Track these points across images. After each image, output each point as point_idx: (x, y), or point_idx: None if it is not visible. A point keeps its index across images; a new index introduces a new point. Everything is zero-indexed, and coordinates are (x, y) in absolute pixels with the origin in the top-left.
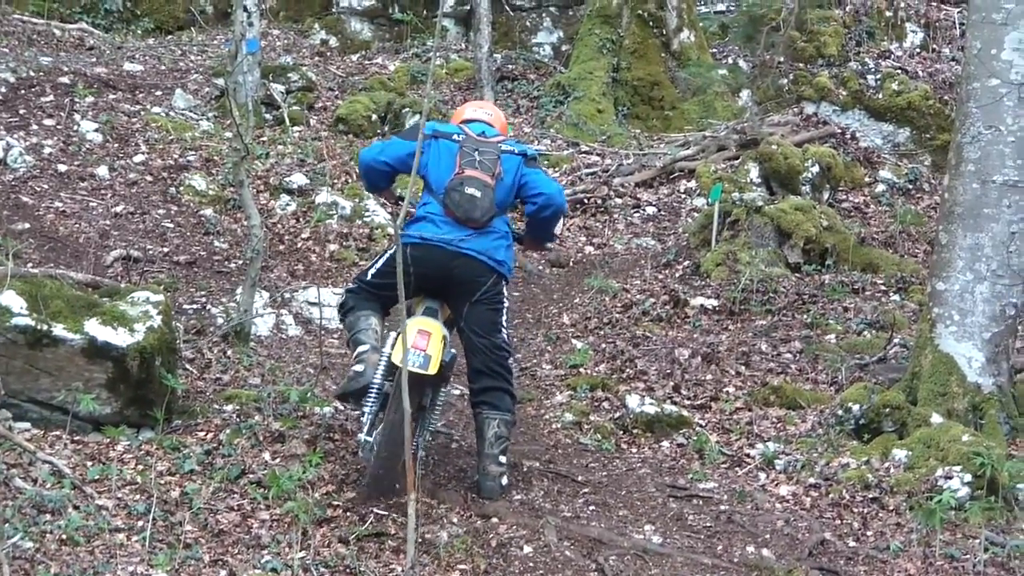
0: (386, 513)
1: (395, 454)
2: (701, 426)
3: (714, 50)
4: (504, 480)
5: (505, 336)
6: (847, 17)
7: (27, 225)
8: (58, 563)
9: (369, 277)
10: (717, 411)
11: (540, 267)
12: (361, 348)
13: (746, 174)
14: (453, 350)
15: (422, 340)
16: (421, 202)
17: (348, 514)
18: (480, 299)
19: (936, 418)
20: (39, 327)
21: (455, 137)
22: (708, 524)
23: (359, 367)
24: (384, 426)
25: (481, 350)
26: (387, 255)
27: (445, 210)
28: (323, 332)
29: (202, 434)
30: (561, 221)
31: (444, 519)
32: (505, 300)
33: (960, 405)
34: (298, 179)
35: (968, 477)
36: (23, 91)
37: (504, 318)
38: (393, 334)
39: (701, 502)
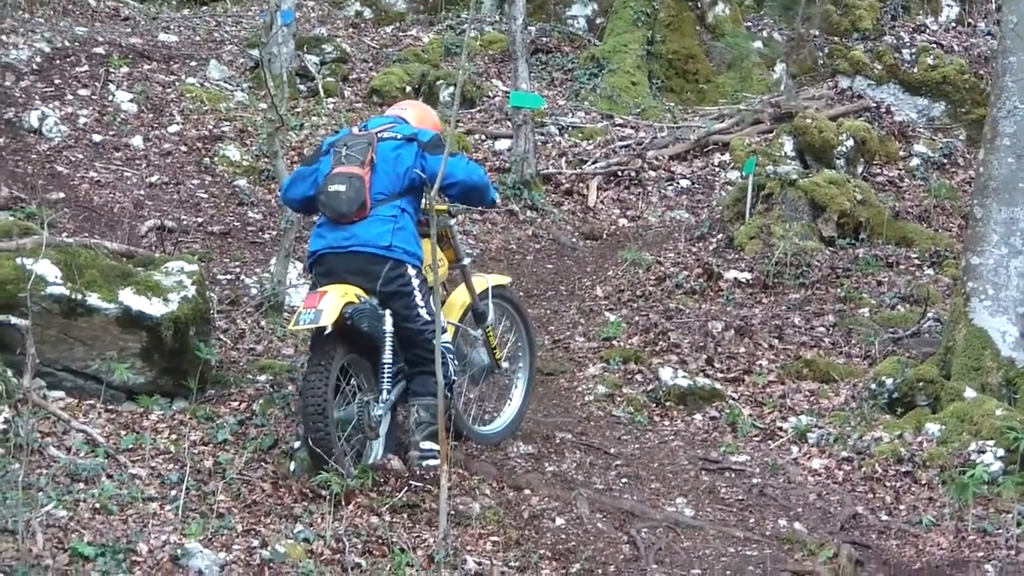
0: (420, 485)
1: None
2: (734, 399)
3: (748, 23)
4: (429, 462)
5: (425, 316)
6: None
7: (62, 195)
8: (91, 531)
9: None
10: (750, 384)
11: (574, 240)
12: None
13: (780, 147)
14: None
15: (314, 299)
16: None
17: (382, 485)
18: (384, 289)
19: (969, 392)
20: (74, 296)
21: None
22: (740, 497)
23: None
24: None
25: (404, 339)
26: None
27: (324, 216)
28: None
29: (235, 404)
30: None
31: (476, 491)
32: (412, 281)
33: (994, 379)
34: None
35: (1001, 451)
36: (58, 61)
37: (417, 299)
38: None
39: (733, 475)
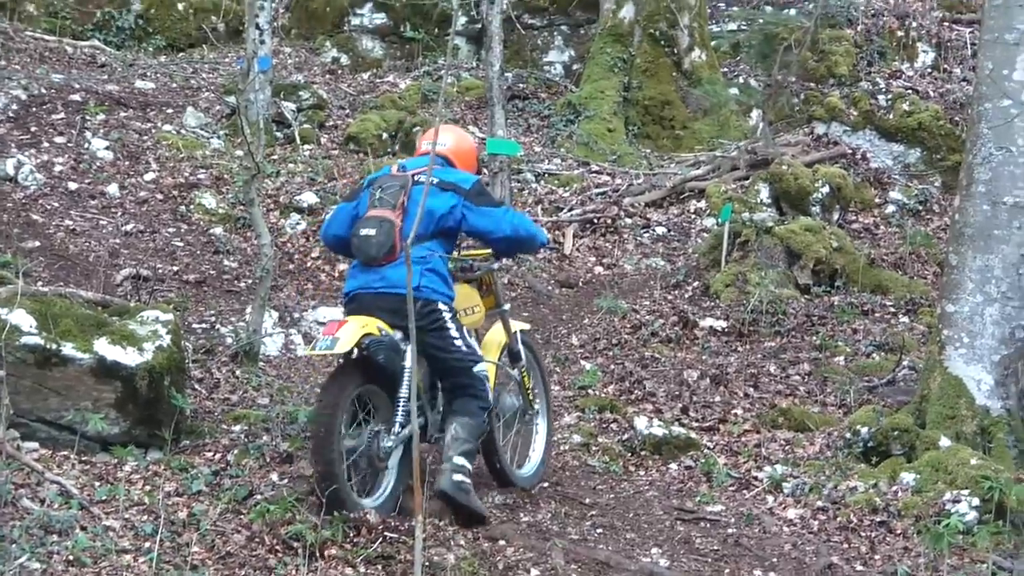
0: (395, 536)
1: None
2: (709, 448)
3: (725, 69)
4: (456, 478)
5: (463, 347)
6: (858, 37)
7: (37, 243)
8: None
9: None
10: (725, 433)
11: (549, 287)
12: None
13: (756, 194)
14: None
15: (334, 327)
16: None
17: (356, 536)
18: (418, 325)
19: (944, 441)
20: (48, 346)
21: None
22: (715, 547)
23: None
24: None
25: (444, 370)
26: None
27: (356, 258)
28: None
29: (210, 454)
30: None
31: (451, 541)
32: (444, 315)
33: (969, 428)
34: (308, 198)
35: (976, 501)
36: (34, 108)
37: (452, 333)
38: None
39: (709, 525)
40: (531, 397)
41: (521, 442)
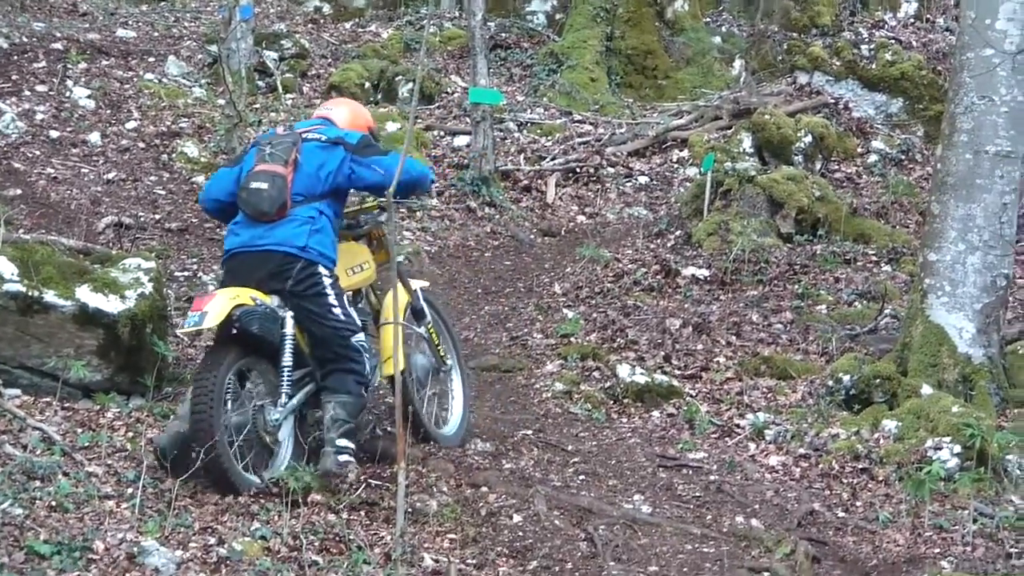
0: (378, 483)
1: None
2: (691, 396)
3: (708, 19)
4: (342, 458)
5: (340, 316)
6: None
7: (19, 191)
8: (48, 529)
9: None
10: (708, 381)
11: (531, 236)
12: None
13: (739, 144)
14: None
15: (202, 302)
16: None
17: (339, 483)
18: (294, 289)
19: (926, 389)
20: (30, 293)
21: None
22: (698, 494)
23: None
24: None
25: (319, 339)
26: None
27: (243, 213)
28: None
29: None
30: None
31: (434, 488)
32: (324, 281)
33: (950, 376)
34: None
35: (958, 448)
36: (15, 57)
37: (331, 300)
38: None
39: (691, 472)
40: (442, 354)
41: (439, 402)
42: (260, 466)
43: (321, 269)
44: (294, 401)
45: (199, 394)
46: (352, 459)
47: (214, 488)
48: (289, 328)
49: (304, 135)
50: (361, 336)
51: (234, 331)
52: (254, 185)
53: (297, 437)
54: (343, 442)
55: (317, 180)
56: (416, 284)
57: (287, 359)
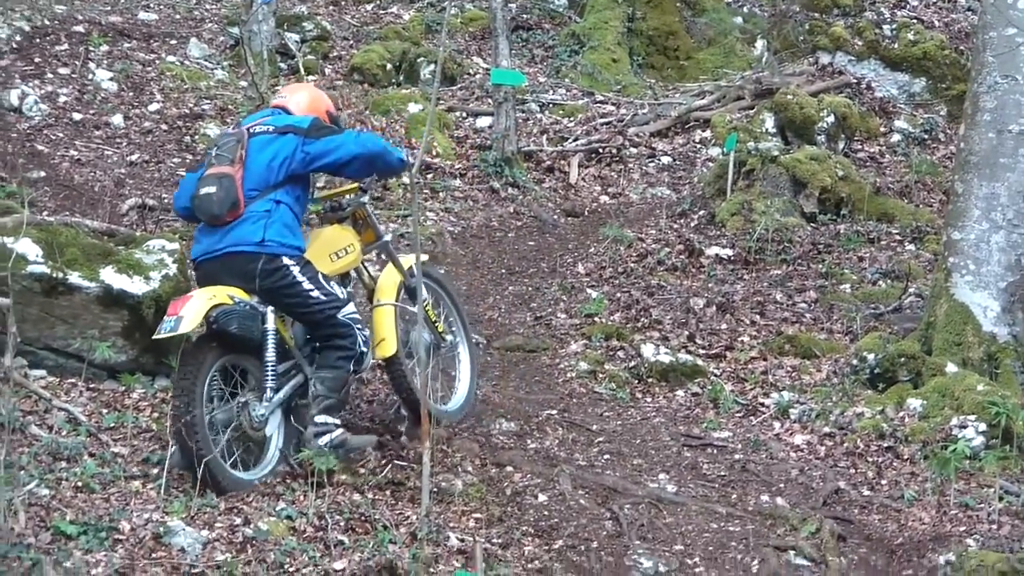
0: (403, 463)
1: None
2: (716, 375)
3: (729, 0)
4: (324, 439)
5: (321, 296)
6: None
7: (43, 173)
8: (74, 510)
9: None
10: (732, 360)
11: (555, 217)
12: None
13: (761, 124)
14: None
15: (177, 305)
16: None
17: (364, 463)
18: (263, 285)
19: (951, 367)
20: (55, 275)
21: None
22: (723, 473)
23: None
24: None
25: (309, 325)
26: None
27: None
28: None
29: None
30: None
31: (459, 468)
32: (292, 270)
33: (975, 354)
34: None
35: (983, 426)
36: (38, 40)
37: (305, 285)
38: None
39: (715, 451)
40: (441, 330)
41: (443, 376)
42: (251, 462)
43: (286, 260)
44: (280, 395)
45: (179, 396)
46: (334, 435)
47: (209, 488)
48: (271, 323)
49: (251, 129)
50: (349, 308)
51: (213, 331)
52: (203, 191)
53: (289, 426)
54: (322, 418)
55: (270, 172)
56: (408, 260)
57: (270, 355)
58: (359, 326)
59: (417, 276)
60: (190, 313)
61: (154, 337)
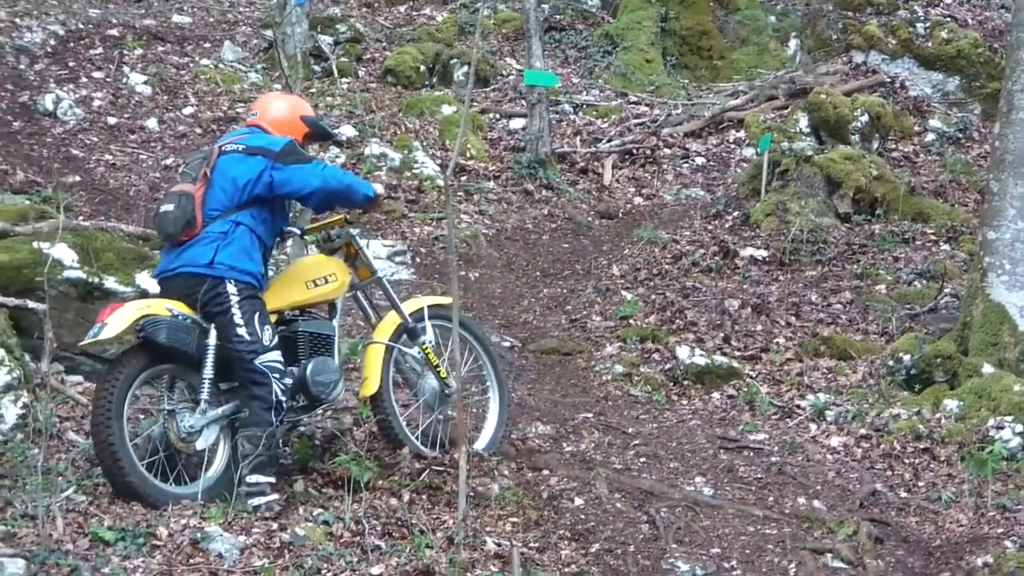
0: (440, 467)
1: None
2: (751, 377)
3: None
4: (256, 500)
5: (244, 335)
6: None
7: (77, 178)
8: (111, 516)
9: None
10: (767, 362)
11: (589, 218)
12: None
13: (795, 124)
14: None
15: (105, 312)
16: None
17: (401, 468)
18: (204, 310)
19: (987, 368)
20: (91, 280)
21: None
22: (759, 475)
23: None
24: None
25: (228, 360)
26: None
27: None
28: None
29: None
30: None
31: (496, 472)
32: (231, 299)
33: (1011, 355)
34: (347, 131)
35: (1020, 427)
36: (72, 44)
37: (235, 317)
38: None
39: (752, 453)
40: (444, 375)
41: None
42: (188, 477)
43: (229, 285)
44: (219, 411)
45: (99, 401)
46: (265, 498)
47: (122, 498)
48: (212, 339)
49: (223, 147)
50: (270, 356)
51: (142, 341)
52: (162, 208)
53: (231, 452)
54: (254, 478)
55: (235, 192)
56: (418, 303)
57: (208, 370)
58: (276, 375)
59: (453, 294)
60: (116, 321)
61: (79, 344)
